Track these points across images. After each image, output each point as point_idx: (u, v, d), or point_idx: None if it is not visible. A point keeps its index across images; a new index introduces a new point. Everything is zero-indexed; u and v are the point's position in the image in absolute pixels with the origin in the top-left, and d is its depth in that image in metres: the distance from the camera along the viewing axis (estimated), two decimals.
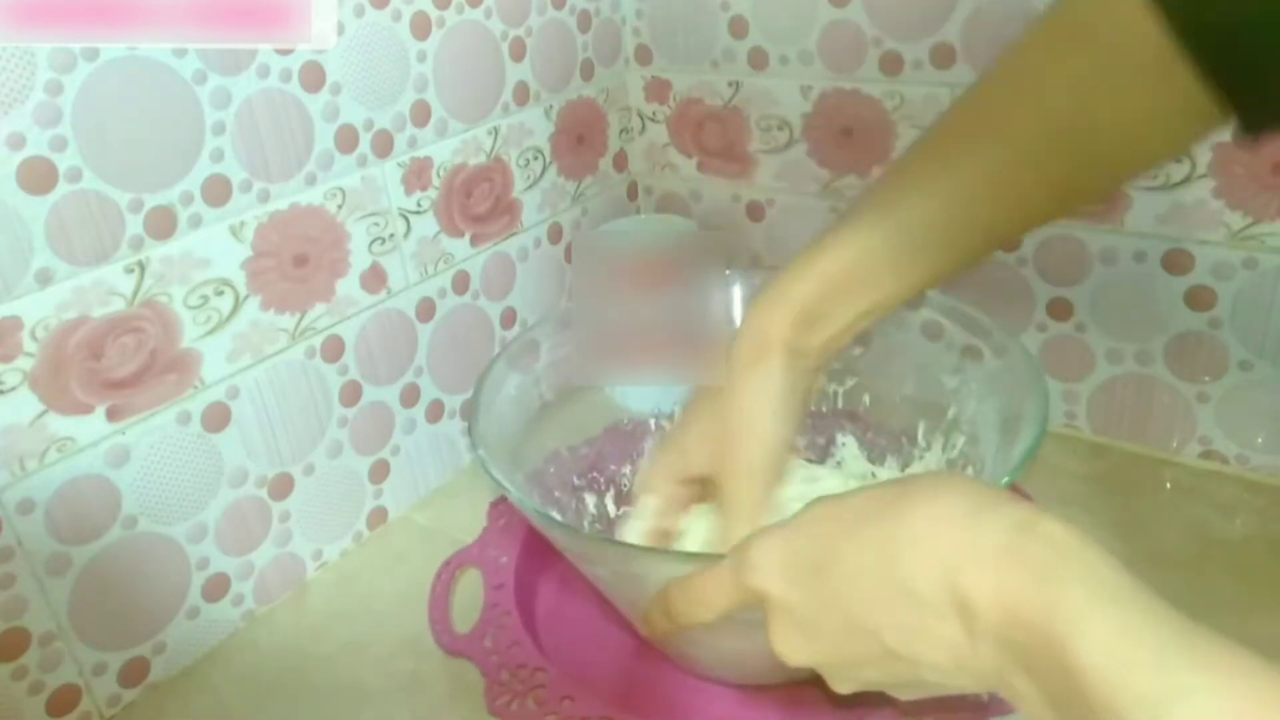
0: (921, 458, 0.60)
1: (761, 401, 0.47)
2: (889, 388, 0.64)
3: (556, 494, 0.60)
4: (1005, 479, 0.45)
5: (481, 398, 0.55)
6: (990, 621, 0.29)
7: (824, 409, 0.66)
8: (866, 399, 0.65)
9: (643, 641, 0.55)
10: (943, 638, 0.30)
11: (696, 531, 0.54)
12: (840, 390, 0.65)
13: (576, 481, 0.63)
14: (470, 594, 0.60)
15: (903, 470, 0.62)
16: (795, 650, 0.35)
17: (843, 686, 0.35)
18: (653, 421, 0.67)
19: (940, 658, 0.31)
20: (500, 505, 0.67)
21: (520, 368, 0.60)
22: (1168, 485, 0.67)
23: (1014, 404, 0.51)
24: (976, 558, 0.30)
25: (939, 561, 0.30)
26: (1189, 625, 0.27)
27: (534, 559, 0.62)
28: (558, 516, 0.58)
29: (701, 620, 0.39)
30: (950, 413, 0.58)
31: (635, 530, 0.54)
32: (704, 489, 0.53)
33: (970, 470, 0.55)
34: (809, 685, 0.51)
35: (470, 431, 0.53)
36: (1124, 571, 0.28)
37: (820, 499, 0.36)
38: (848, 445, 0.65)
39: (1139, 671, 0.26)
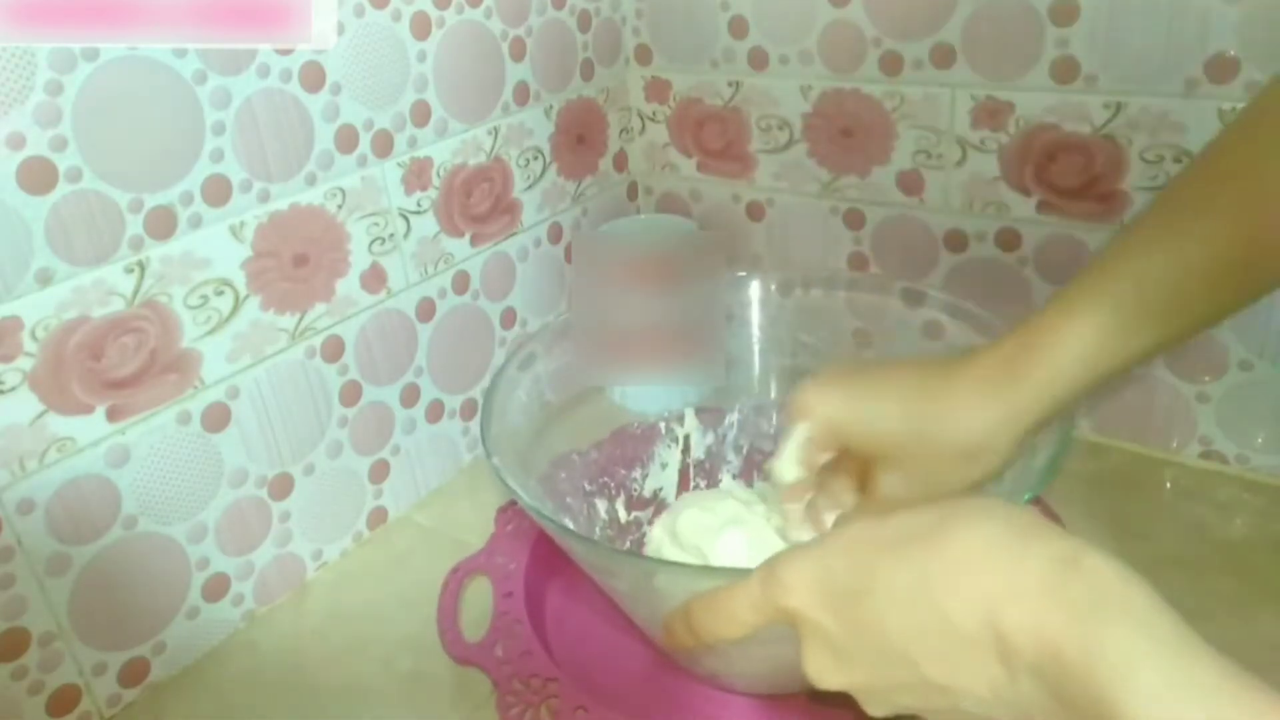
0: None
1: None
2: None
3: (569, 500, 0.60)
4: (1027, 494, 0.44)
5: (494, 404, 0.54)
6: (1030, 659, 0.29)
7: None
8: None
9: (657, 650, 0.55)
10: (982, 670, 0.30)
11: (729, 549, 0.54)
12: None
13: (588, 487, 0.63)
14: (479, 602, 0.60)
15: None
16: (828, 673, 0.35)
17: (876, 710, 0.35)
18: (662, 425, 0.67)
19: (980, 690, 0.30)
20: (508, 511, 0.66)
21: (529, 373, 0.60)
22: (1168, 485, 0.67)
23: None
24: (1017, 592, 0.29)
25: (979, 594, 0.30)
26: (1236, 673, 0.26)
27: (543, 566, 0.61)
28: (570, 523, 0.57)
29: (727, 637, 0.38)
30: None
31: (784, 459, 0.51)
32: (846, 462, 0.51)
33: (989, 482, 0.54)
34: (829, 697, 0.50)
35: (483, 440, 0.52)
36: (1168, 612, 0.28)
37: (857, 520, 0.35)
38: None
39: None
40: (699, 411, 0.67)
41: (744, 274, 0.67)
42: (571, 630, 0.59)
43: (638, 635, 0.56)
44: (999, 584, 0.30)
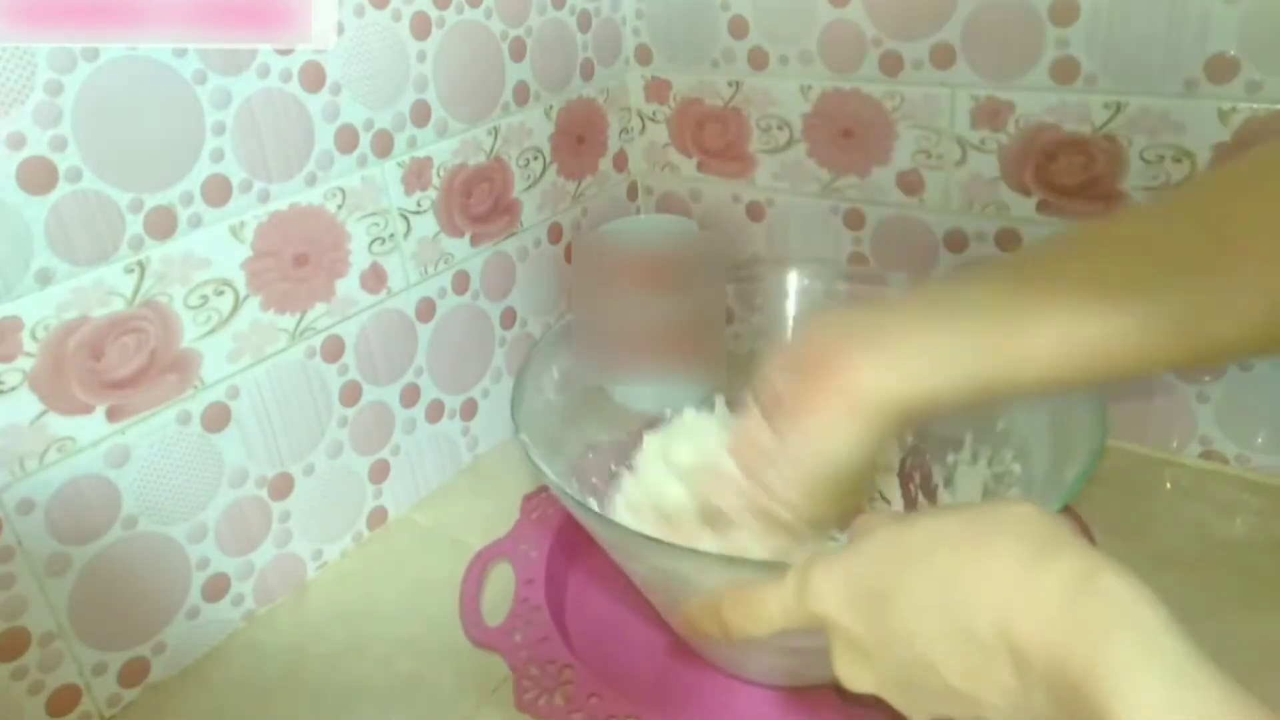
0: (966, 470, 0.59)
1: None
2: None
3: (594, 480, 0.60)
4: (1057, 503, 0.44)
5: (526, 382, 0.55)
6: (1041, 672, 0.29)
7: None
8: None
9: (674, 638, 0.55)
10: (999, 682, 0.30)
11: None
12: None
13: (614, 468, 0.62)
14: (501, 587, 0.60)
15: (946, 484, 0.60)
16: (858, 678, 0.35)
17: (917, 716, 0.35)
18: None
19: (998, 700, 0.31)
20: (533, 499, 0.66)
21: (561, 358, 0.60)
22: (1168, 485, 0.67)
23: (1066, 418, 0.50)
24: (1031, 607, 0.29)
25: (997, 606, 0.30)
26: (1240, 697, 0.26)
27: (565, 554, 0.62)
28: (595, 505, 0.57)
29: (756, 635, 0.39)
30: (999, 425, 0.57)
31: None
32: None
33: (1016, 489, 0.54)
34: (849, 693, 0.50)
35: (513, 416, 0.53)
36: (1178, 633, 0.28)
37: (887, 525, 0.35)
38: (889, 449, 0.62)
39: None
40: (730, 403, 0.66)
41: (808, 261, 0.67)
42: (590, 618, 0.59)
43: (657, 625, 0.56)
44: (1015, 596, 0.30)
